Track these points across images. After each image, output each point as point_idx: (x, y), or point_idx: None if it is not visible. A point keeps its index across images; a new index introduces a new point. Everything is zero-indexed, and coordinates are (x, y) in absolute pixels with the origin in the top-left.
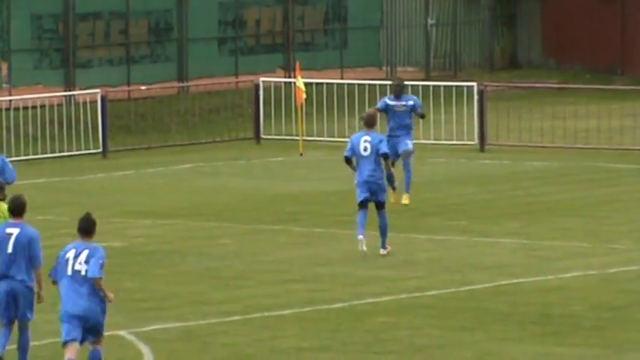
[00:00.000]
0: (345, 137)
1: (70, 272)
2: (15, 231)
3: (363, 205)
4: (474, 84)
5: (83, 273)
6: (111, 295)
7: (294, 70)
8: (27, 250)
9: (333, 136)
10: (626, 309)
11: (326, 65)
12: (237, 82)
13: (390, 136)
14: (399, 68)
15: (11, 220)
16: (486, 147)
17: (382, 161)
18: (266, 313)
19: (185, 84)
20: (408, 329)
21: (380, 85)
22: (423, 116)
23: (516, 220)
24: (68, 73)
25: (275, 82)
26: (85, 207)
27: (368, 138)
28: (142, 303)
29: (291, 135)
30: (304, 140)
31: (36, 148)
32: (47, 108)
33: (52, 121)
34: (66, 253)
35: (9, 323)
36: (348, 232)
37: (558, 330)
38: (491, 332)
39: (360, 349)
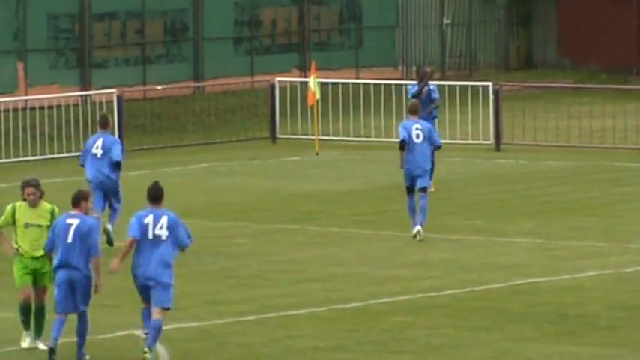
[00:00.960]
0: (360, 137)
1: (150, 236)
2: (75, 221)
3: (410, 190)
4: (490, 84)
5: (164, 238)
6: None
7: (310, 69)
8: (87, 239)
9: (349, 136)
10: None
11: (341, 65)
12: (252, 82)
13: None
14: (414, 68)
15: (72, 212)
16: (502, 146)
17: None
18: (282, 313)
19: (201, 84)
20: (423, 329)
21: (395, 84)
22: (437, 106)
23: (532, 219)
24: (84, 73)
25: (290, 81)
26: None
27: (419, 126)
28: None
29: (307, 135)
30: (320, 140)
31: (52, 147)
32: (63, 108)
33: (68, 121)
34: (144, 218)
35: (64, 313)
36: (363, 232)
37: (574, 329)
38: (507, 332)
39: (376, 349)
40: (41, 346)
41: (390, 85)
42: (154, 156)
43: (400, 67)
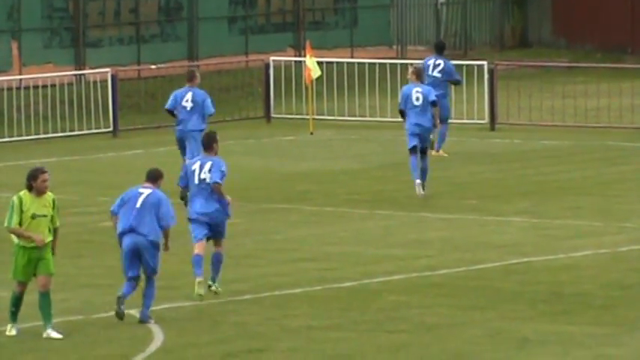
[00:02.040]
0: (355, 116)
1: (197, 181)
2: (147, 191)
3: (413, 150)
4: (485, 63)
5: (208, 181)
6: (229, 197)
7: (305, 48)
8: (155, 208)
9: (344, 115)
10: (637, 287)
11: (336, 44)
12: (247, 61)
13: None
14: (409, 47)
15: (145, 184)
16: (497, 126)
17: (432, 109)
18: (276, 292)
19: (195, 63)
20: (418, 308)
21: (390, 63)
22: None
23: (527, 198)
24: (78, 52)
25: (285, 61)
26: (96, 186)
27: (419, 89)
28: None
29: (302, 114)
30: (314, 119)
31: (46, 127)
32: (57, 87)
33: (62, 101)
34: (192, 165)
35: (133, 278)
36: (358, 211)
37: (569, 309)
38: (502, 311)
39: (371, 328)
40: (54, 335)
41: (384, 64)
42: (148, 135)
43: (395, 47)
